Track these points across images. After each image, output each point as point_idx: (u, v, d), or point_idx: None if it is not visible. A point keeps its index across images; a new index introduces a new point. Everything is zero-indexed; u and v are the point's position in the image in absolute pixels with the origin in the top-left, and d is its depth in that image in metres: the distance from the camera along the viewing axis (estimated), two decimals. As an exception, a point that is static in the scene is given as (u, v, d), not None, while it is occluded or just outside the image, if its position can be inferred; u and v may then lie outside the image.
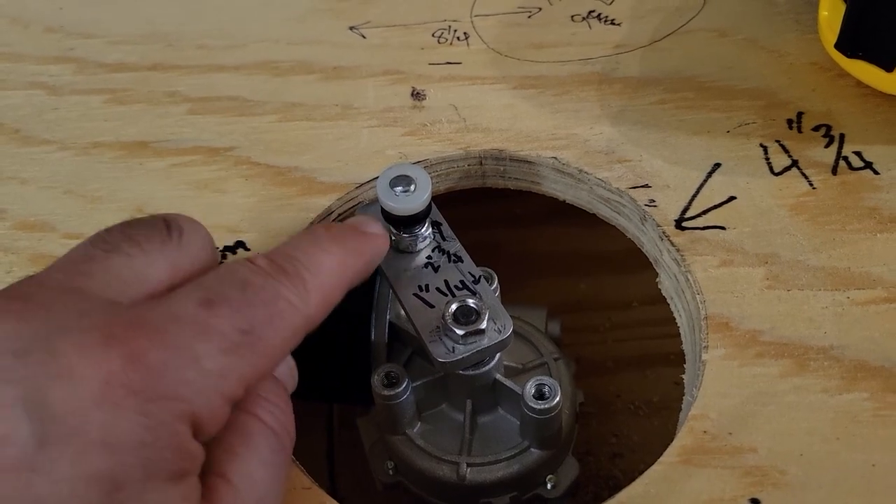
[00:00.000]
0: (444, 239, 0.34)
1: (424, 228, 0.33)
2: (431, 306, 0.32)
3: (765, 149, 0.38)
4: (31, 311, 0.22)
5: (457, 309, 0.31)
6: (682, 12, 0.45)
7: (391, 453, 0.37)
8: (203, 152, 0.41)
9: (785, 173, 0.37)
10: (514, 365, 0.38)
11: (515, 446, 0.35)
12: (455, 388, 0.35)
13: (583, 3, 0.46)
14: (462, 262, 0.33)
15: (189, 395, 0.22)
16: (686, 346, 0.36)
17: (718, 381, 0.32)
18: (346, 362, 0.35)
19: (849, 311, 0.33)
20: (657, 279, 0.37)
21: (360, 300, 0.34)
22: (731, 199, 0.37)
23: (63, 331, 0.22)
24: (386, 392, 0.34)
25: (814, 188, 0.37)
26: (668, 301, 0.37)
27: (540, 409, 0.33)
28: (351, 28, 0.46)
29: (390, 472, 0.37)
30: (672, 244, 0.35)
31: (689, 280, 0.34)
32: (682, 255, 0.35)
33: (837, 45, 0.37)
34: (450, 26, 0.46)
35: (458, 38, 0.45)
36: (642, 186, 0.37)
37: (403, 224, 0.32)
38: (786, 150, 0.38)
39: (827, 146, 0.38)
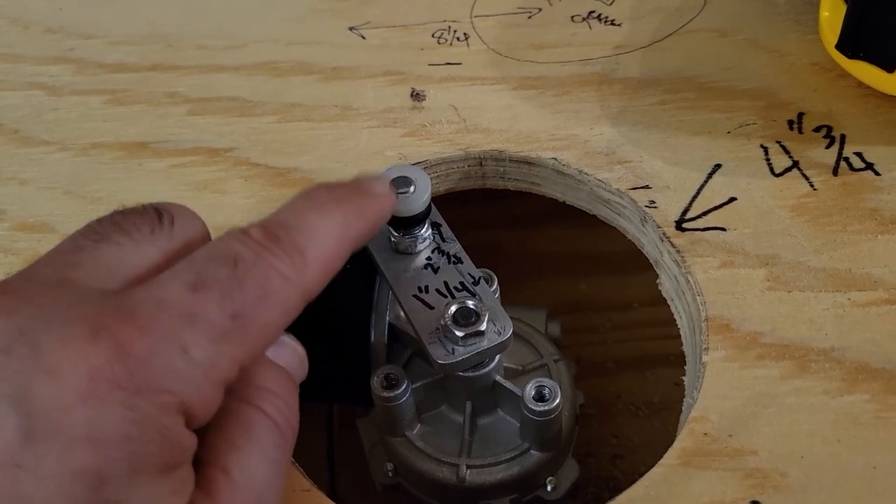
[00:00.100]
0: (443, 240, 0.34)
1: (424, 230, 0.33)
2: (431, 308, 0.31)
3: (765, 150, 0.38)
4: (17, 305, 0.22)
5: (456, 310, 0.31)
6: (682, 13, 0.45)
7: (391, 455, 0.37)
8: (203, 153, 0.41)
9: (786, 174, 0.37)
10: (513, 366, 0.38)
11: (515, 448, 0.35)
12: (455, 390, 0.35)
13: (583, 3, 0.46)
14: (462, 263, 0.33)
15: (177, 385, 0.22)
16: (686, 348, 0.35)
17: (719, 383, 0.32)
18: (345, 363, 0.35)
19: (850, 313, 0.33)
20: (657, 280, 0.37)
21: (359, 301, 0.34)
22: (732, 200, 0.37)
23: (48, 325, 0.21)
24: (385, 394, 0.34)
25: (815, 189, 0.37)
26: (669, 302, 0.37)
27: (540, 411, 0.33)
28: (350, 28, 0.46)
29: (390, 473, 0.37)
30: (672, 245, 0.35)
31: (689, 281, 0.34)
32: (682, 257, 0.35)
33: (838, 46, 0.37)
34: (450, 27, 0.46)
35: (457, 39, 0.45)
36: (642, 187, 0.37)
37: (403, 225, 0.32)
38: (786, 151, 0.38)
39: (828, 147, 0.38)
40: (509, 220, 0.54)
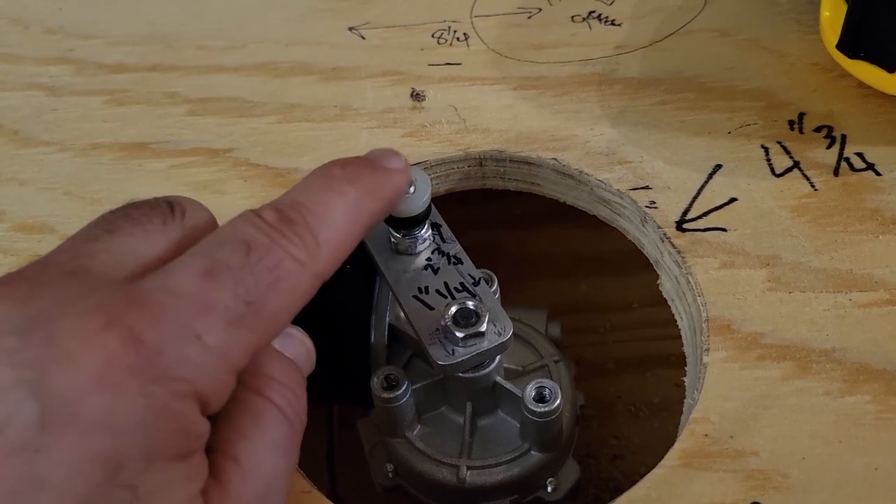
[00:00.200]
0: (443, 241, 0.33)
1: (424, 230, 0.33)
2: (431, 308, 0.31)
3: (766, 150, 0.38)
4: (33, 293, 0.22)
5: (456, 311, 0.31)
6: (682, 12, 0.45)
7: (391, 456, 0.37)
8: (202, 153, 0.41)
9: (786, 174, 0.37)
10: (514, 367, 0.38)
11: (515, 449, 0.35)
12: (455, 391, 0.35)
13: (583, 3, 0.46)
14: (462, 263, 0.33)
15: (191, 373, 0.22)
16: (687, 349, 0.35)
17: (720, 384, 0.31)
18: (345, 363, 0.35)
19: (851, 314, 0.33)
20: (658, 281, 0.37)
21: (359, 302, 0.34)
22: (733, 200, 0.37)
23: (64, 313, 0.22)
24: (385, 395, 0.34)
25: (815, 189, 0.37)
26: (669, 303, 0.37)
27: (540, 413, 0.33)
28: (350, 29, 0.46)
29: (390, 474, 0.37)
30: (673, 246, 0.35)
31: (689, 282, 0.34)
32: (682, 257, 0.35)
33: (839, 46, 0.37)
34: (449, 27, 0.46)
35: (457, 39, 0.45)
36: (643, 188, 0.37)
37: (403, 226, 0.32)
38: (787, 152, 0.38)
39: (828, 147, 0.38)
40: (509, 221, 0.54)
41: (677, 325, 0.36)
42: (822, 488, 0.29)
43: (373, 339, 0.34)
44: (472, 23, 0.46)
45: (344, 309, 0.33)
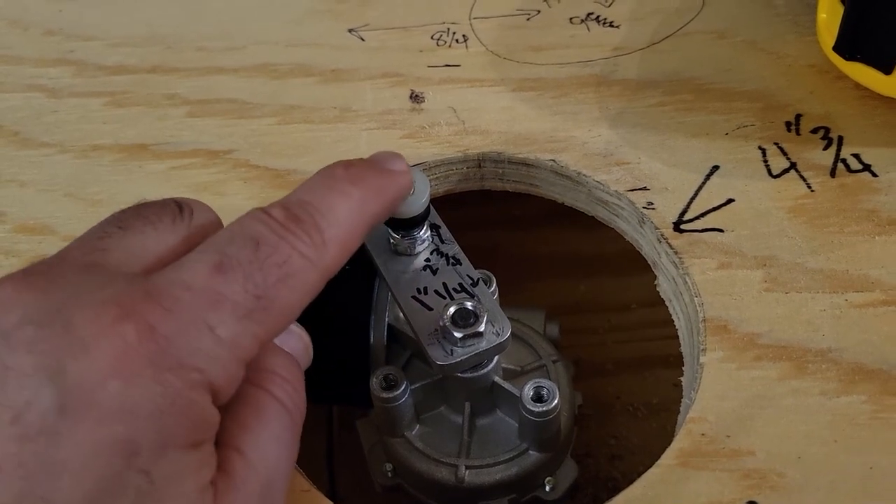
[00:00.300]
0: (442, 241, 0.34)
1: (423, 231, 0.33)
2: (430, 309, 0.32)
3: (763, 151, 0.38)
4: (51, 284, 0.23)
5: (455, 312, 0.31)
6: (680, 14, 0.45)
7: (390, 455, 0.37)
8: (202, 155, 0.41)
9: (783, 175, 0.37)
10: (512, 367, 0.38)
11: (514, 448, 0.35)
12: (453, 391, 0.36)
13: (581, 5, 0.46)
14: (460, 264, 0.33)
15: (204, 363, 0.23)
16: (684, 349, 0.36)
17: (717, 384, 0.32)
18: (345, 364, 0.35)
19: (847, 314, 0.33)
20: (656, 281, 0.37)
21: (358, 302, 0.34)
22: (730, 201, 0.37)
23: (81, 304, 0.22)
24: (384, 395, 0.34)
25: (812, 190, 0.37)
26: (667, 303, 0.37)
27: (538, 412, 0.33)
28: (350, 30, 0.46)
29: (389, 474, 0.37)
30: (670, 246, 0.35)
31: (687, 282, 0.34)
32: (680, 258, 0.35)
33: (836, 48, 0.37)
34: (448, 29, 0.46)
35: (456, 41, 0.45)
36: (641, 189, 0.37)
37: (402, 227, 0.32)
38: (784, 153, 0.38)
39: (825, 148, 0.38)
40: (508, 222, 0.54)
41: (675, 326, 0.36)
42: (818, 488, 0.29)
43: (372, 340, 0.34)
44: (471, 24, 0.46)
45: (343, 309, 0.33)
